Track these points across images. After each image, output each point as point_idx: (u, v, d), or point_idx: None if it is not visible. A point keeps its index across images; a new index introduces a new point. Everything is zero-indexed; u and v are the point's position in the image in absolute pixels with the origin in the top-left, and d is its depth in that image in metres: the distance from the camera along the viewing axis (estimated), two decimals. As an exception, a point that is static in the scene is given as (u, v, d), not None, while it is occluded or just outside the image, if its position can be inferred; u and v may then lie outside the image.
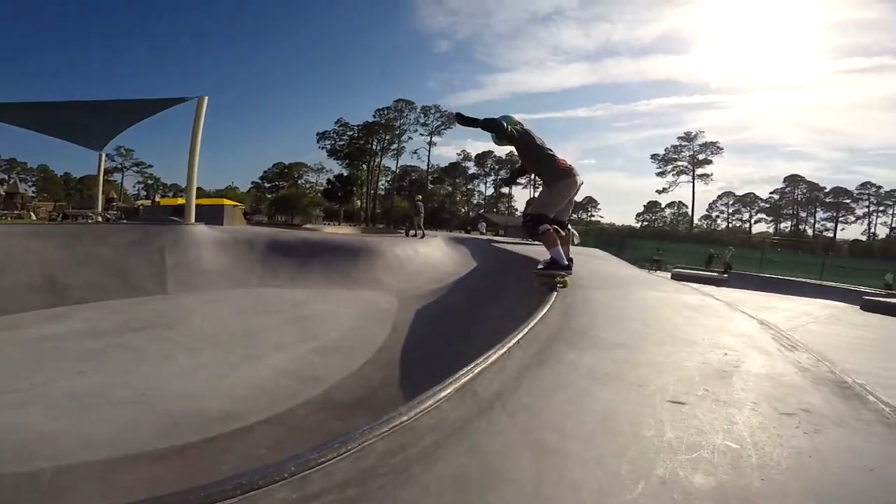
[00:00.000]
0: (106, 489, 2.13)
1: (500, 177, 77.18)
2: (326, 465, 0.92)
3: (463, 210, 75.24)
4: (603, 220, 77.32)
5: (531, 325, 2.11)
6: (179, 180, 62.15)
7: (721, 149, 69.45)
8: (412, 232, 14.92)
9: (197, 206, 11.47)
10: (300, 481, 0.87)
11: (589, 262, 6.20)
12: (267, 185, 73.85)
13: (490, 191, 79.16)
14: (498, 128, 3.72)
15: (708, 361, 1.94)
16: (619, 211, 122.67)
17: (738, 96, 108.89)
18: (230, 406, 3.18)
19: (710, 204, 73.11)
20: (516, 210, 77.52)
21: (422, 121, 69.87)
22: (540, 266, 3.80)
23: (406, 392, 3.57)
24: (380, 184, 73.70)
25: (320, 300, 7.21)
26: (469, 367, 1.46)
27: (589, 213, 78.26)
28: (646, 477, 1.02)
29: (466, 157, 76.82)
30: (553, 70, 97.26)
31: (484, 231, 29.15)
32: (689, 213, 72.77)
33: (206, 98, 10.85)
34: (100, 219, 13.81)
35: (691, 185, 70.84)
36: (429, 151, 72.59)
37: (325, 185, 68.44)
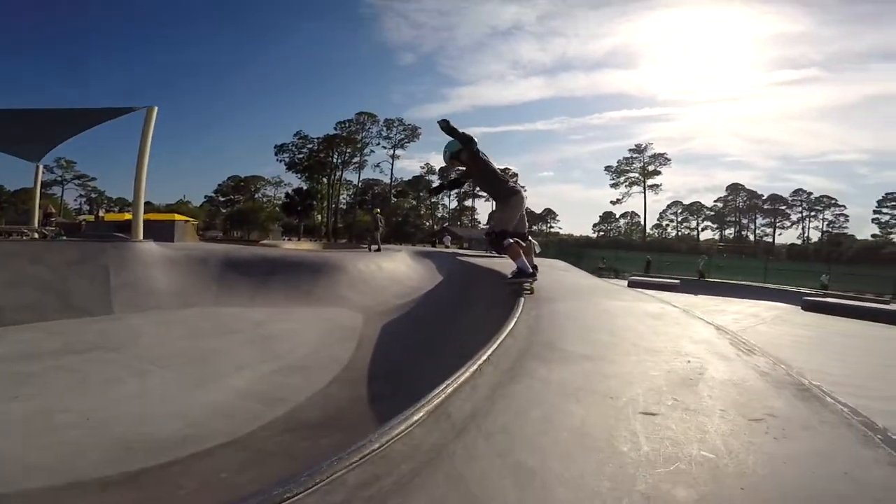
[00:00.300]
0: None
1: (463, 191, 78.19)
2: (293, 500, 0.85)
3: (427, 223, 75.36)
4: (562, 231, 79.86)
5: (500, 340, 2.09)
6: (126, 194, 58.59)
7: (669, 160, 73.52)
8: (374, 246, 14.74)
9: (145, 221, 10.84)
10: None
11: (551, 273, 6.31)
12: (222, 199, 71.03)
13: (454, 204, 79.90)
14: (470, 143, 4.13)
15: (673, 370, 1.99)
16: (576, 222, 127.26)
17: (682, 108, 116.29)
18: (187, 430, 3.01)
19: (660, 213, 77.04)
20: (479, 223, 78.58)
21: (385, 134, 69.71)
22: (509, 276, 4.09)
23: (375, 410, 3.47)
24: (341, 198, 72.67)
25: (282, 319, 6.95)
26: (441, 388, 1.41)
27: (548, 225, 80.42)
28: (628, 494, 1.01)
29: (430, 171, 77.18)
30: (513, 84, 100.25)
31: (449, 244, 29.21)
32: (642, 222, 76.29)
33: (156, 109, 10.37)
34: (36, 235, 12.76)
35: (643, 195, 74.41)
36: (392, 165, 72.42)
37: (283, 199, 66.61)
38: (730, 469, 1.12)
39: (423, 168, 77.29)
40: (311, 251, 12.58)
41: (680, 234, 76.38)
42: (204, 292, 8.11)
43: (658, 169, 73.52)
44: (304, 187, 65.65)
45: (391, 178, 73.59)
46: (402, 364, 4.69)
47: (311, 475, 0.91)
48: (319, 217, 68.62)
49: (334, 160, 68.37)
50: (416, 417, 1.22)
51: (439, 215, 79.59)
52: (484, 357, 1.79)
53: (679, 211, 76.62)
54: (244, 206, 65.53)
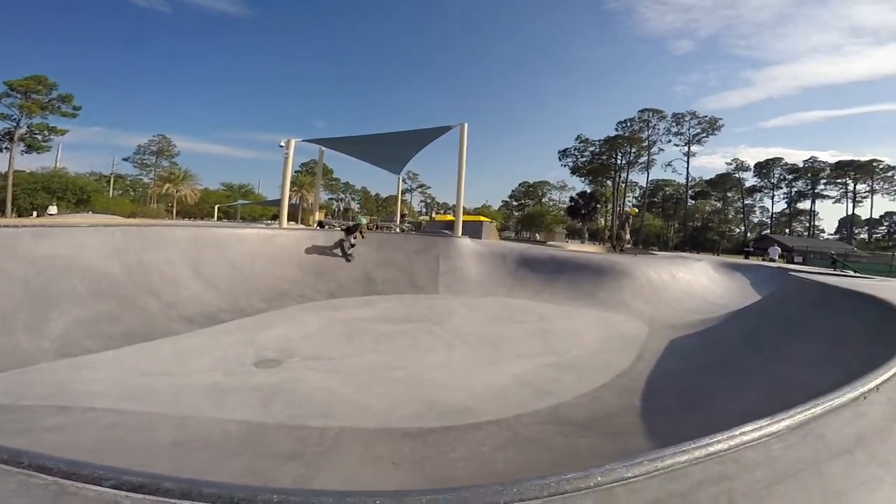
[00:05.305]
0: (364, 455, 2.56)
1: (795, 189, 60.47)
2: (633, 481, 0.89)
3: (738, 230, 62.21)
4: None
5: (892, 371, 1.68)
6: (448, 199, 74.37)
7: None
8: (619, 247, 13.43)
9: (462, 222, 13.34)
10: (605, 493, 0.85)
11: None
12: (515, 203, 79.54)
13: (780, 206, 62.84)
14: None
15: None
16: None
17: None
18: (470, 402, 3.53)
19: None
20: (822, 231, 58.92)
21: (674, 130, 61.70)
22: None
23: (648, 423, 3.21)
24: (627, 200, 68.67)
25: (563, 316, 7.24)
26: (806, 407, 1.27)
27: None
28: None
29: (741, 167, 63.54)
30: (857, 54, 71.74)
31: (776, 257, 22.86)
32: None
33: (466, 124, 12.60)
34: (397, 230, 17.82)
35: None
36: (687, 163, 63.26)
37: (568, 203, 68.59)
38: None
39: (731, 164, 64.25)
40: (596, 254, 12.51)
41: None
42: (501, 284, 9.37)
43: None
44: (588, 191, 65.70)
45: (686, 178, 64.51)
46: (691, 383, 4.11)
47: (652, 461, 0.93)
48: (603, 221, 67.22)
49: (618, 161, 65.29)
50: (772, 429, 1.15)
51: (756, 220, 64.33)
52: (870, 385, 1.53)
53: None
54: (532, 210, 71.29)
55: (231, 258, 7.79)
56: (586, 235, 60.75)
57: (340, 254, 8.30)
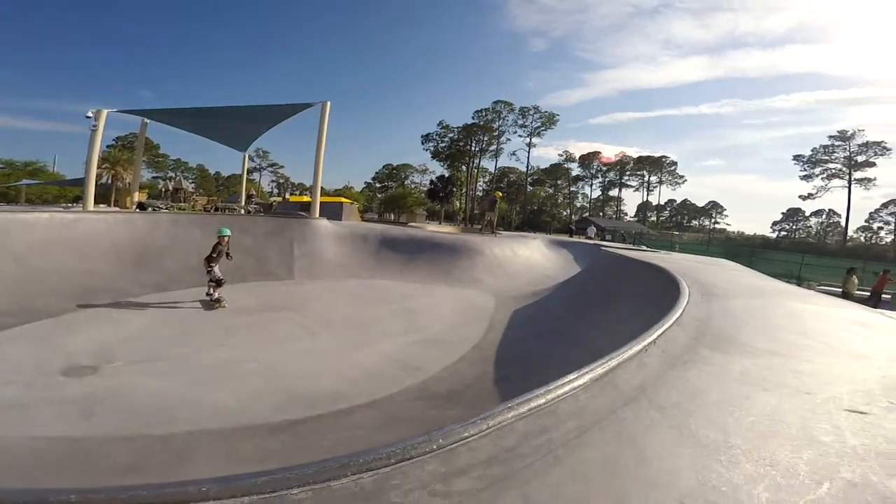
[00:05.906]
0: (225, 456, 2.38)
1: (608, 179, 73.08)
2: (470, 440, 0.96)
3: (565, 213, 72.62)
4: (730, 228, 68.90)
5: (665, 327, 2.04)
6: (305, 179, 69.71)
7: (888, 149, 56.46)
8: (491, 230, 14.95)
9: (321, 203, 12.68)
10: (448, 454, 0.91)
11: (720, 271, 5.59)
12: (378, 185, 78.85)
13: (597, 193, 75.28)
14: None
15: (890, 375, 1.68)
16: (750, 218, 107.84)
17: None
18: (340, 387, 3.47)
19: (871, 213, 60.10)
20: (626, 214, 72.56)
21: (520, 122, 68.80)
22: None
23: (500, 389, 3.56)
24: (478, 185, 74.21)
25: (424, 294, 7.53)
26: (604, 361, 1.46)
27: (713, 220, 70.21)
28: (830, 478, 0.93)
29: (569, 159, 74.09)
30: (667, 65, 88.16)
31: (592, 235, 27.48)
32: (843, 223, 61.01)
33: (329, 103, 11.99)
34: (243, 212, 16.05)
35: (847, 190, 59.10)
36: (528, 153, 71.16)
37: (428, 186, 70.89)
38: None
39: (562, 156, 74.43)
40: (451, 234, 13.25)
41: (901, 238, 58.80)
42: (363, 265, 9.24)
43: (871, 160, 57.27)
44: (446, 175, 68.89)
45: (527, 166, 72.64)
46: (531, 348, 4.69)
47: (484, 419, 1.02)
48: (458, 203, 71.39)
49: (472, 148, 69.97)
50: (579, 382, 1.28)
51: (578, 205, 75.94)
52: (649, 339, 1.80)
53: (901, 211, 58.87)
54: (395, 192, 71.67)
55: (14, 249, 6.06)
56: (454, 218, 63.72)
57: (206, 305, 6.27)
